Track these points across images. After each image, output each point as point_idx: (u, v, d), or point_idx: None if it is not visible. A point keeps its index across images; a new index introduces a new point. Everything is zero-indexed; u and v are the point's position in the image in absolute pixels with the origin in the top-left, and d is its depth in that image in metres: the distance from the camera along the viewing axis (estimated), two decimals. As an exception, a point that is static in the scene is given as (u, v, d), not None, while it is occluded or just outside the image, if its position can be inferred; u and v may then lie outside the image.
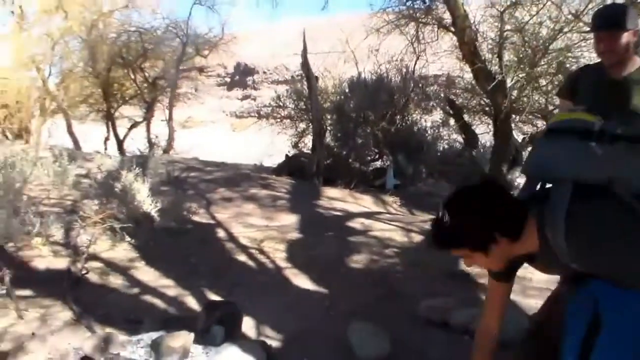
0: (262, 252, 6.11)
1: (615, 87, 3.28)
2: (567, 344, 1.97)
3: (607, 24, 3.25)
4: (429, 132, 12.94)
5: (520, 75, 9.74)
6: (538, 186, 2.15)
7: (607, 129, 1.96)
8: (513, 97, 9.77)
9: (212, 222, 7.25)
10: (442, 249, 2.11)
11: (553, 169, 2.04)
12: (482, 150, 12.25)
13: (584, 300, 1.95)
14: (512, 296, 4.66)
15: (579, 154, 1.97)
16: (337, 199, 9.33)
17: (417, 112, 13.26)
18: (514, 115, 10.76)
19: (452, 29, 10.05)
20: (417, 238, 6.88)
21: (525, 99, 10.29)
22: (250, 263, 5.81)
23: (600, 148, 1.93)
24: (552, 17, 10.26)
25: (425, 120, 13.52)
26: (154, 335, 3.79)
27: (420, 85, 13.06)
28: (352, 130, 12.10)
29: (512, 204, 2.03)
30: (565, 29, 9.32)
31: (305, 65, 11.72)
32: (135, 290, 5.03)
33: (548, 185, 2.09)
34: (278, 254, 6.07)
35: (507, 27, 9.95)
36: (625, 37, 3.19)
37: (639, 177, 1.86)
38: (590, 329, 1.88)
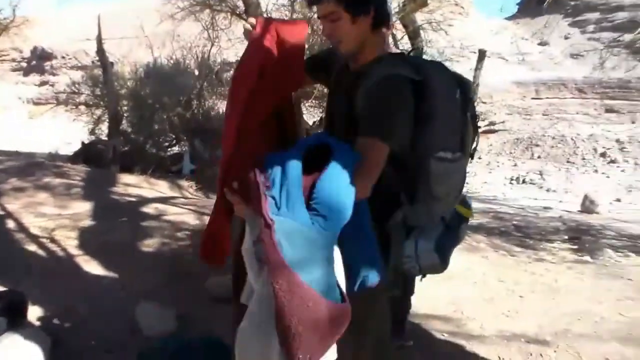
0: (53, 240, 6.02)
1: None
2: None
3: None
4: (226, 117, 13.18)
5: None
6: None
7: None
8: (303, 83, 10.22)
9: (1, 213, 7.04)
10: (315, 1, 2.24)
11: None
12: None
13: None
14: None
15: None
16: (133, 185, 9.32)
17: (213, 97, 13.44)
18: (304, 100, 11.25)
19: (245, 16, 10.35)
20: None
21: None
22: (41, 252, 5.73)
23: None
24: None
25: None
26: None
27: (215, 71, 13.23)
28: (148, 117, 12.08)
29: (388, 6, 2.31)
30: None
31: (100, 51, 11.55)
32: None
33: None
34: (70, 241, 6.01)
35: (298, 16, 10.40)
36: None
37: None
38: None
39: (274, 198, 1.83)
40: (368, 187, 2.08)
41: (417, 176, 2.32)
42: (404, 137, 2.24)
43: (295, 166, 1.91)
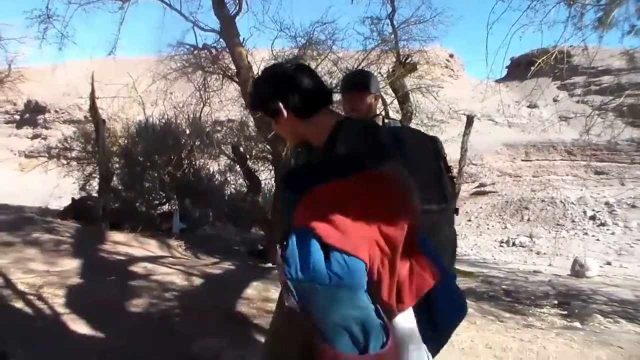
0: (40, 298, 5.96)
1: None
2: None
3: (354, 85, 3.71)
4: (216, 176, 13.21)
5: (299, 126, 10.33)
6: None
7: None
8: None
9: (-11, 268, 7.00)
10: (251, 110, 2.64)
11: None
12: (267, 195, 12.67)
13: None
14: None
15: None
16: (122, 243, 9.32)
17: (204, 157, 13.50)
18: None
19: (237, 79, 10.47)
20: (197, 281, 7.10)
21: (303, 148, 10.92)
22: (27, 310, 5.67)
23: None
24: (330, 72, 11.01)
25: (218, 165, 13.80)
26: None
27: (206, 131, 13.30)
28: (139, 175, 12.11)
29: (318, 90, 2.42)
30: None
31: (93, 109, 11.64)
32: None
33: None
34: (57, 299, 5.95)
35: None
36: (369, 99, 3.67)
37: None
38: None
39: (287, 261, 1.86)
40: None
41: None
42: None
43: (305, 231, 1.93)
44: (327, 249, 1.88)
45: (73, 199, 12.69)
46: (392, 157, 2.19)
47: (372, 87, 3.72)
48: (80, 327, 5.29)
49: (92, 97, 11.60)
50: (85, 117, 36.09)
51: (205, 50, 11.89)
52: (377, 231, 1.95)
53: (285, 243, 1.91)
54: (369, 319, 1.84)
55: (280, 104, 2.34)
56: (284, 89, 2.36)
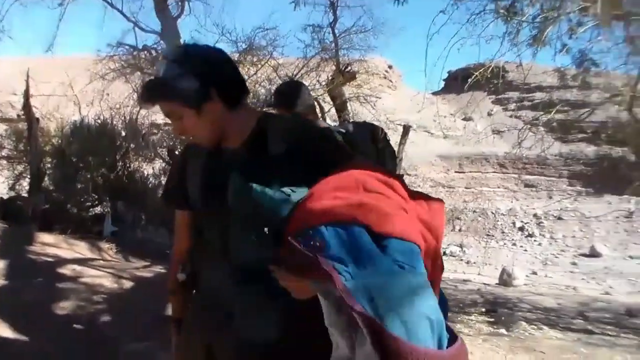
0: (-37, 300, 5.87)
1: None
2: None
3: (282, 102, 3.61)
4: (150, 180, 13.05)
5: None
6: None
7: None
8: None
9: None
10: (152, 101, 1.96)
11: None
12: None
13: None
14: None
15: None
16: (51, 244, 9.12)
17: (138, 160, 13.34)
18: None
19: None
20: (128, 284, 7.03)
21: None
22: (-51, 312, 5.57)
23: None
24: (269, 78, 11.06)
25: (153, 168, 13.65)
26: None
27: (142, 133, 13.16)
28: (72, 175, 11.89)
29: (242, 78, 2.12)
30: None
31: (26, 106, 11.40)
32: None
33: None
34: (-19, 302, 5.88)
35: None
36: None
37: None
38: None
39: (340, 260, 1.38)
40: None
41: None
42: None
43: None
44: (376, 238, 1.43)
45: (2, 198, 12.40)
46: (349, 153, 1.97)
47: (297, 106, 3.54)
48: (3, 330, 5.18)
49: (27, 95, 11.37)
50: (18, 115, 35.20)
51: (145, 52, 11.82)
52: (417, 219, 1.55)
53: (311, 242, 1.41)
54: (439, 310, 1.42)
55: (213, 87, 1.96)
56: (214, 70, 1.99)
